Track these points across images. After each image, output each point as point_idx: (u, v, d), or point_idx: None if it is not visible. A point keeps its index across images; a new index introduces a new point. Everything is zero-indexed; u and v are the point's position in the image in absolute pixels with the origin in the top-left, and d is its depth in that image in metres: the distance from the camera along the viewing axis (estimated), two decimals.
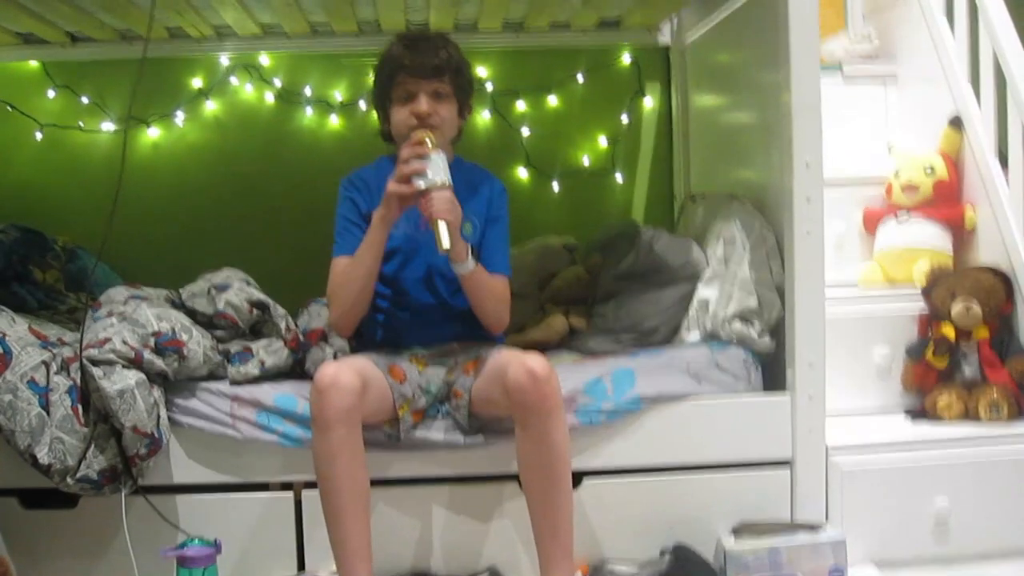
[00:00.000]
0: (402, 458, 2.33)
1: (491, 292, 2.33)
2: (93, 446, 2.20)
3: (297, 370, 2.48)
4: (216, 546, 2.17)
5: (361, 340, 2.45)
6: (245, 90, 3.52)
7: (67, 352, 2.30)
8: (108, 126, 3.46)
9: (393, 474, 2.34)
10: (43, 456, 2.15)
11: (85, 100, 3.46)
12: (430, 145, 2.19)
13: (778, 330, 2.49)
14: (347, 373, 2.08)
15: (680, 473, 2.41)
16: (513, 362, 2.11)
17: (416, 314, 2.40)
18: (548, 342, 2.83)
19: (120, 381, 2.19)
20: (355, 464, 2.08)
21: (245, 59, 3.51)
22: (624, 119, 3.63)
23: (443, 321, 2.39)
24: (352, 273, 2.28)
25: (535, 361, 2.10)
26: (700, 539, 2.36)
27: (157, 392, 2.27)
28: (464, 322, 2.38)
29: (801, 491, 2.41)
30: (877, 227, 3.04)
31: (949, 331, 2.68)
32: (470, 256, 2.24)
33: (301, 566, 2.35)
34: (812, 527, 2.32)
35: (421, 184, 2.14)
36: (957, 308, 2.66)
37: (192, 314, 2.44)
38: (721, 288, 2.55)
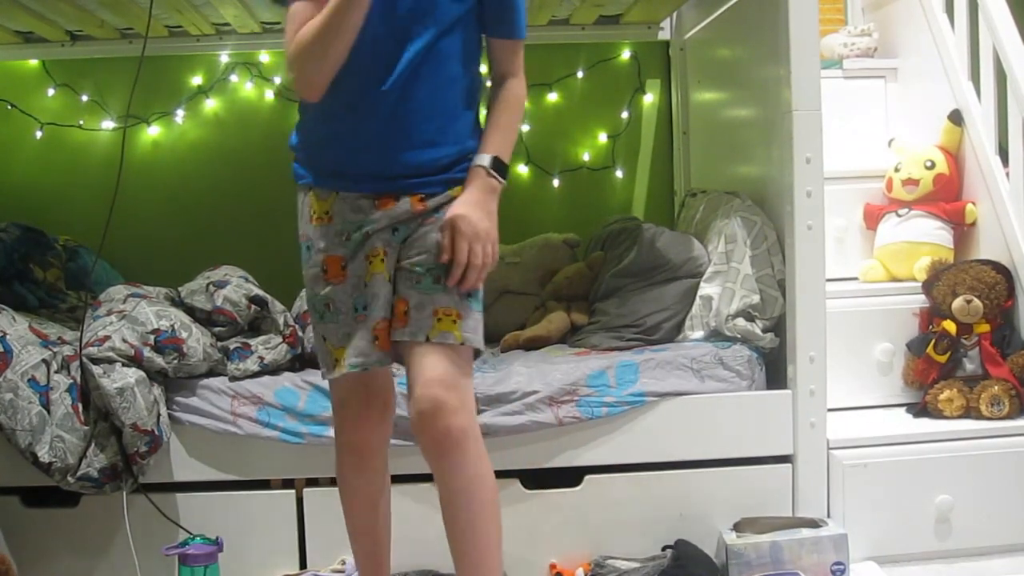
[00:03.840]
0: (407, 454, 2.32)
1: (519, 113, 1.97)
2: (93, 444, 2.20)
3: (296, 365, 2.49)
4: (218, 544, 2.17)
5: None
6: (245, 88, 3.52)
7: (67, 350, 2.31)
8: (108, 124, 3.46)
9: (398, 471, 2.33)
10: (44, 454, 2.15)
11: (85, 98, 3.46)
12: None
13: (780, 326, 2.49)
14: (367, 460, 1.97)
15: (681, 469, 2.41)
16: (418, 381, 1.78)
17: (357, 114, 1.82)
18: (549, 338, 2.83)
19: (120, 379, 2.19)
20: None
21: (245, 57, 3.50)
22: (624, 115, 3.63)
23: (399, 132, 1.81)
24: (314, 50, 1.73)
25: (437, 389, 1.76)
26: (702, 535, 2.36)
27: (157, 390, 2.27)
28: (437, 136, 1.84)
29: (802, 486, 2.41)
30: (878, 223, 3.03)
31: (950, 326, 2.68)
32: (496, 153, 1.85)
33: (303, 563, 2.36)
34: (814, 522, 2.32)
35: None
36: (958, 303, 2.66)
37: (191, 311, 2.44)
38: (723, 285, 2.55)
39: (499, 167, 1.85)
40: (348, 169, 1.83)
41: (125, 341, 2.24)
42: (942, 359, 2.67)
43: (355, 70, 1.76)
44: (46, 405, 2.19)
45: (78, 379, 2.23)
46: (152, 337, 2.28)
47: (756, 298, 2.47)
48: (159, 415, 2.24)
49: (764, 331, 2.47)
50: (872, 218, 3.06)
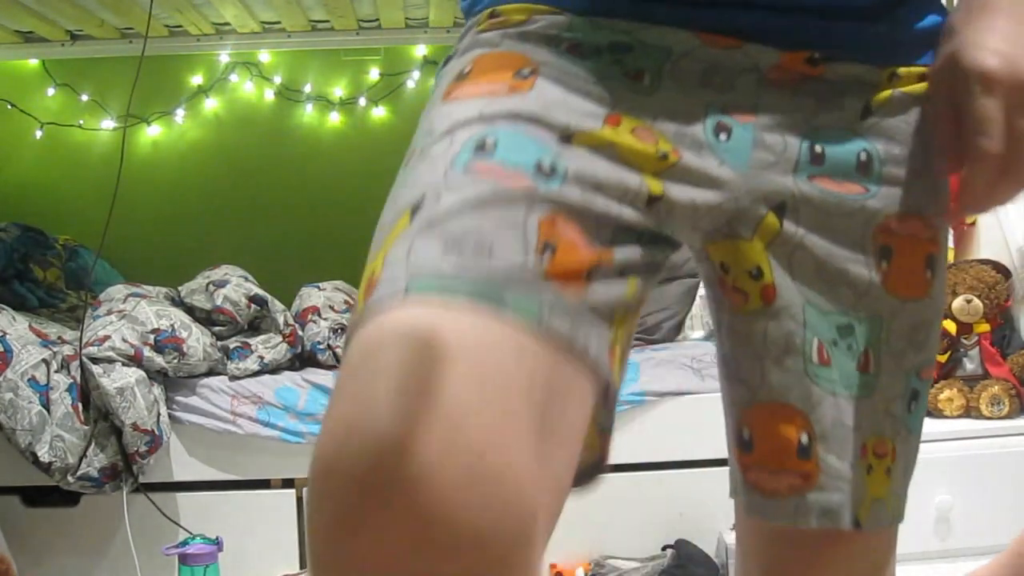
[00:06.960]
0: None
1: None
2: (93, 444, 2.20)
3: (296, 364, 2.49)
4: (218, 544, 2.17)
5: None
6: (245, 87, 3.52)
7: (67, 350, 2.31)
8: (108, 124, 3.46)
9: None
10: (44, 454, 2.16)
11: (85, 98, 3.46)
12: None
13: None
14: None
15: (681, 469, 2.41)
16: None
17: None
18: None
19: (120, 379, 2.19)
20: None
21: (245, 56, 3.50)
22: None
23: None
24: None
25: None
26: (702, 534, 2.36)
27: (157, 389, 2.27)
28: None
29: None
30: None
31: (950, 326, 2.68)
32: None
33: (303, 563, 2.36)
34: None
35: None
36: (958, 303, 2.66)
37: (191, 311, 2.44)
38: None
39: None
40: None
41: (125, 341, 2.24)
42: (942, 359, 2.67)
43: None
44: (46, 405, 2.19)
45: (78, 379, 2.24)
46: (152, 336, 2.28)
47: None
48: (159, 415, 2.24)
49: None
50: None
